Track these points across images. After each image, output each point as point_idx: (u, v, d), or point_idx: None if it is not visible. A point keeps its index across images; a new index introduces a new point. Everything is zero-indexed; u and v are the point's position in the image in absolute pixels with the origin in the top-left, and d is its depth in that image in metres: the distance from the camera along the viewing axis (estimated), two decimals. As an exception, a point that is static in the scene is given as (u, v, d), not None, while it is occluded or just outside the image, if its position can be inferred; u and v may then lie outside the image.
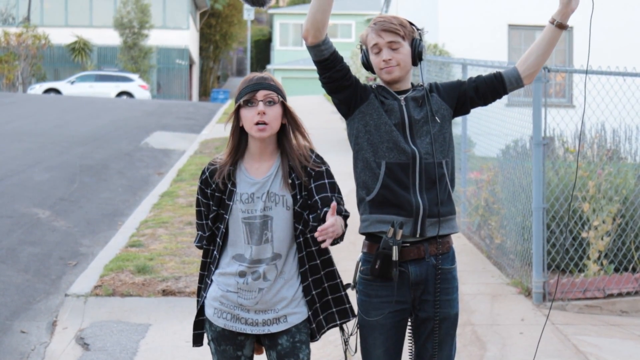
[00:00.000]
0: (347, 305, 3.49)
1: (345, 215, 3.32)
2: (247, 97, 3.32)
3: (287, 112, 3.39)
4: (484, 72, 8.69)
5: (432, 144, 3.46)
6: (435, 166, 3.45)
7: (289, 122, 3.41)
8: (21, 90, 37.56)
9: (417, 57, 3.51)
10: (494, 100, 3.62)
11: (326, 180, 3.41)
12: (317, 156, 3.45)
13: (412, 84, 3.59)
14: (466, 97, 3.57)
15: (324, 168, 3.43)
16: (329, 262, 3.49)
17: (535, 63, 3.54)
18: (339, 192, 3.42)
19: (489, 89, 3.57)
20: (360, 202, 3.53)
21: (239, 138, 3.42)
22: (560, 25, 3.49)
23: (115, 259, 7.70)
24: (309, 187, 3.39)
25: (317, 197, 3.36)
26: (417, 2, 20.30)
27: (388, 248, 3.36)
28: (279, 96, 3.36)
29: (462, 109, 3.61)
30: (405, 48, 3.48)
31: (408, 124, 3.47)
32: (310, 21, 3.36)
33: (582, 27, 17.80)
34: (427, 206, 3.42)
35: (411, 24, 3.54)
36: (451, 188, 3.53)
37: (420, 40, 3.52)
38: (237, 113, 3.38)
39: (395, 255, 3.36)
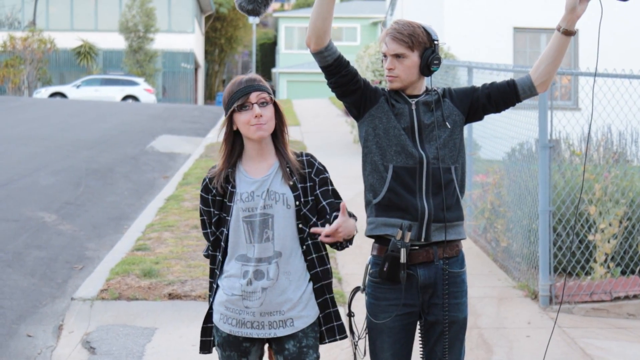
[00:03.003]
0: (341, 322, 3.50)
1: (355, 217, 3.37)
2: (240, 101, 3.32)
3: (277, 111, 3.41)
4: (489, 75, 8.74)
5: (440, 149, 3.46)
6: (443, 171, 3.45)
7: (277, 123, 3.42)
8: (27, 94, 37.66)
9: (425, 68, 3.46)
10: (506, 107, 3.60)
11: (330, 187, 3.46)
12: (319, 164, 3.47)
13: (426, 87, 3.57)
14: (478, 104, 3.55)
15: (327, 175, 3.47)
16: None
17: (547, 71, 3.50)
18: (340, 197, 3.48)
19: (501, 96, 3.55)
20: (367, 204, 3.53)
21: (233, 142, 3.42)
22: (567, 32, 3.45)
23: (121, 262, 7.70)
24: (315, 192, 3.41)
25: (324, 203, 3.41)
26: (422, 5, 20.31)
27: (396, 250, 3.36)
28: (270, 96, 3.37)
29: (475, 116, 3.59)
30: (411, 59, 3.45)
31: (417, 128, 3.47)
32: (311, 28, 3.36)
33: (588, 30, 17.76)
34: (433, 211, 3.42)
35: (428, 33, 3.48)
36: (460, 194, 3.52)
37: (433, 51, 3.46)
38: (230, 119, 3.37)
39: (403, 258, 3.35)
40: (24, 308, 6.75)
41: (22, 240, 8.69)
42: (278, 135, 3.43)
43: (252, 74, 3.40)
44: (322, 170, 3.46)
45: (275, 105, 3.39)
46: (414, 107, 3.48)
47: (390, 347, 3.50)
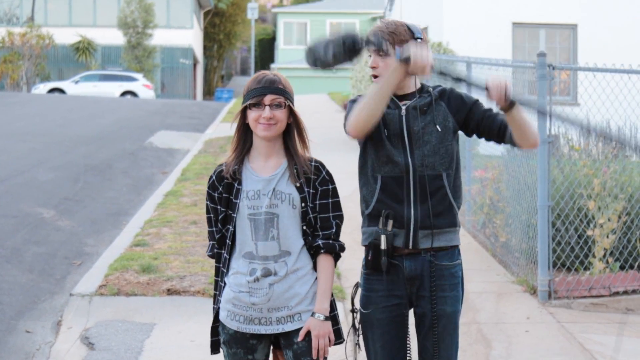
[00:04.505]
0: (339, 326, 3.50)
1: (339, 251, 3.44)
2: (254, 100, 3.33)
3: (292, 114, 3.40)
4: (489, 70, 8.72)
5: (429, 155, 3.43)
6: (431, 178, 3.43)
7: (293, 124, 3.42)
8: (25, 90, 37.62)
9: None
10: (489, 141, 3.56)
11: (330, 200, 3.44)
12: (327, 173, 3.45)
13: (422, 85, 3.54)
14: (471, 123, 3.50)
15: (330, 187, 3.44)
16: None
17: (522, 138, 3.41)
18: (340, 210, 3.47)
19: (489, 132, 3.49)
20: (362, 214, 3.57)
21: (244, 135, 3.43)
22: (507, 108, 3.31)
23: (120, 258, 7.69)
24: (315, 202, 3.41)
25: (318, 216, 3.42)
26: (421, 0, 20.27)
27: (378, 238, 3.42)
28: (287, 99, 3.36)
29: (464, 129, 3.53)
30: (393, 57, 3.40)
31: (407, 134, 3.45)
32: (359, 121, 3.34)
33: (586, 24, 17.78)
34: (419, 218, 3.43)
35: (411, 31, 3.44)
36: (455, 200, 3.50)
37: None
38: (243, 111, 3.39)
39: (383, 244, 3.40)
40: (22, 304, 6.75)
41: (20, 236, 8.68)
42: (292, 136, 3.42)
43: (275, 75, 3.38)
44: (327, 180, 3.43)
45: (291, 108, 3.38)
46: (403, 113, 3.46)
47: (379, 339, 3.53)
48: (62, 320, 6.45)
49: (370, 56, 3.49)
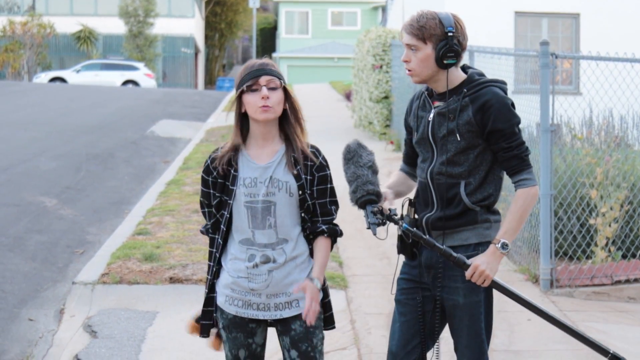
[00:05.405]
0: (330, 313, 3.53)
1: (339, 235, 3.50)
2: (250, 82, 3.33)
3: (288, 98, 3.41)
4: (491, 59, 8.68)
5: (446, 164, 3.43)
6: (448, 186, 3.42)
7: (290, 108, 3.42)
8: (27, 79, 37.63)
9: (439, 61, 3.36)
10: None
11: (328, 186, 3.46)
12: (323, 158, 3.46)
13: (464, 81, 3.43)
14: (489, 143, 3.43)
15: (328, 172, 3.46)
16: None
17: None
18: (336, 195, 3.49)
19: (500, 165, 3.48)
20: None
21: (241, 123, 3.43)
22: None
23: (122, 247, 7.70)
24: (312, 188, 3.42)
25: (317, 202, 3.43)
26: (423, -11, 20.22)
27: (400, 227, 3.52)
28: (281, 81, 3.38)
29: (486, 142, 3.46)
30: (425, 51, 3.37)
31: (433, 140, 3.47)
32: None
33: (588, 13, 17.74)
34: (431, 221, 3.48)
35: (443, 24, 3.35)
36: (474, 204, 3.44)
37: (447, 43, 3.33)
38: (239, 100, 3.38)
39: (399, 230, 3.47)
40: (25, 292, 6.76)
41: (23, 225, 8.69)
42: (289, 121, 3.42)
43: (265, 59, 3.43)
44: (324, 166, 3.44)
45: (286, 91, 3.40)
46: (430, 118, 3.46)
47: (398, 319, 3.60)
48: (64, 309, 6.46)
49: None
